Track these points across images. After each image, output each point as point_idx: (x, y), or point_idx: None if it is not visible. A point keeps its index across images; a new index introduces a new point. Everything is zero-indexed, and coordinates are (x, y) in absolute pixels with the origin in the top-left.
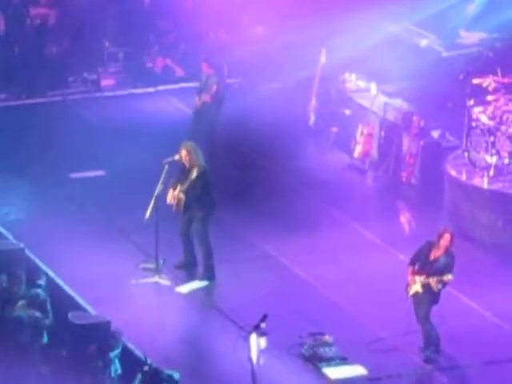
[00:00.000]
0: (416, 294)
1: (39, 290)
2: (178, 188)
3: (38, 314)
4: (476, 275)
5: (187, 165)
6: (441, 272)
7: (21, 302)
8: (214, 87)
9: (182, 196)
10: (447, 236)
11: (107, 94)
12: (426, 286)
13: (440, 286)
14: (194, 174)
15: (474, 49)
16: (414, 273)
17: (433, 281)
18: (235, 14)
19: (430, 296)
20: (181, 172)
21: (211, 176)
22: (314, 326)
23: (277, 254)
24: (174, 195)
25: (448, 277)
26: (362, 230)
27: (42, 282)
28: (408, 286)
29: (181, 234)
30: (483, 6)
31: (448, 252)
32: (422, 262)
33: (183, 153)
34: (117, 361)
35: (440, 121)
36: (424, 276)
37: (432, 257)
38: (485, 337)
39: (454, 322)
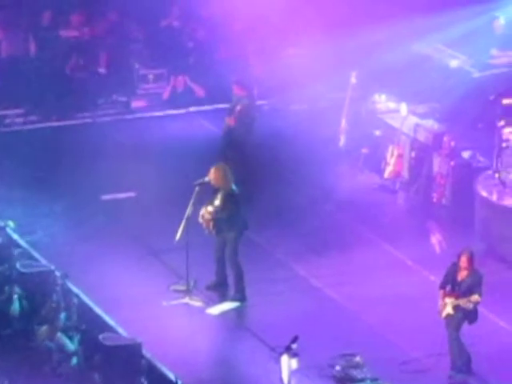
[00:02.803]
0: (448, 316)
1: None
2: (207, 209)
3: (64, 337)
4: (508, 295)
5: (217, 186)
6: (469, 292)
7: (45, 327)
8: (238, 108)
9: (208, 216)
10: (463, 258)
11: (138, 115)
12: (456, 308)
13: (471, 306)
14: (223, 195)
15: (504, 69)
16: (445, 295)
17: (463, 302)
18: (266, 35)
19: (463, 316)
20: (213, 193)
21: (241, 198)
22: (346, 347)
23: (308, 274)
24: (201, 215)
25: (475, 297)
26: (393, 250)
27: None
28: (440, 309)
29: (215, 256)
30: None
31: (473, 272)
32: (451, 284)
33: (213, 174)
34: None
35: (471, 141)
36: (453, 298)
37: (459, 278)
38: None
39: (486, 342)
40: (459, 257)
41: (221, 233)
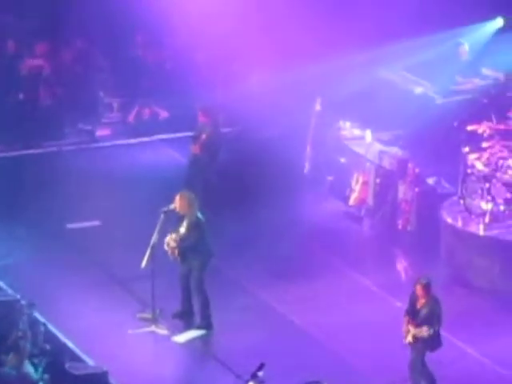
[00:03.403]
0: (411, 343)
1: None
2: (172, 236)
3: (29, 365)
4: (474, 322)
5: (182, 214)
6: (427, 321)
7: (11, 355)
8: (204, 136)
9: (173, 244)
10: (418, 286)
11: (103, 144)
12: (415, 336)
13: (425, 335)
14: (189, 223)
15: (468, 95)
16: (408, 323)
17: (416, 332)
18: (230, 62)
19: (423, 344)
20: (178, 221)
21: (207, 225)
22: (311, 374)
23: (273, 302)
24: (167, 243)
25: (424, 329)
26: (358, 277)
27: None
28: (404, 335)
29: (180, 284)
30: (479, 52)
31: (430, 301)
32: (412, 312)
33: (178, 202)
34: None
35: (435, 168)
36: (413, 326)
37: (418, 306)
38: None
39: (453, 369)
40: (415, 285)
41: (186, 260)
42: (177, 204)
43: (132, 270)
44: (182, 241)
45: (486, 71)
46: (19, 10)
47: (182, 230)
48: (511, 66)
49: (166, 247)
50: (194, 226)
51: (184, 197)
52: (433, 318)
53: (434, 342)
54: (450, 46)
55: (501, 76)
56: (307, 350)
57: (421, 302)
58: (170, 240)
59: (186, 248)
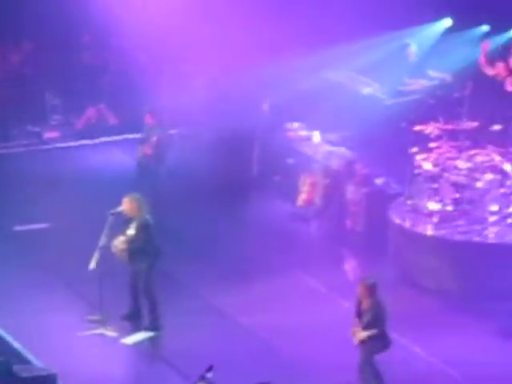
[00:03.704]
0: (359, 344)
1: None
2: (120, 238)
3: None
4: (421, 322)
5: (130, 216)
6: (370, 323)
7: None
8: (154, 138)
9: (121, 246)
10: (360, 288)
11: (51, 146)
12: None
13: (368, 336)
14: (137, 225)
15: (416, 96)
16: (355, 324)
17: (362, 334)
18: (176, 64)
19: (370, 345)
20: (126, 223)
21: (155, 227)
22: (260, 376)
23: (222, 303)
24: (115, 245)
25: (363, 333)
26: (307, 277)
27: None
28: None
29: (129, 286)
30: (427, 52)
31: (373, 303)
32: (359, 313)
33: (126, 204)
34: None
35: (383, 168)
36: (358, 328)
37: (362, 307)
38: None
39: (401, 369)
40: (359, 286)
41: (134, 262)
42: (125, 206)
43: (80, 272)
44: (130, 243)
45: (432, 73)
46: None
47: (131, 231)
48: (459, 66)
49: (113, 249)
50: (143, 228)
51: (133, 199)
52: (376, 320)
53: (381, 342)
54: (397, 46)
55: (447, 77)
56: (256, 351)
57: (365, 302)
58: (118, 242)
59: (135, 250)
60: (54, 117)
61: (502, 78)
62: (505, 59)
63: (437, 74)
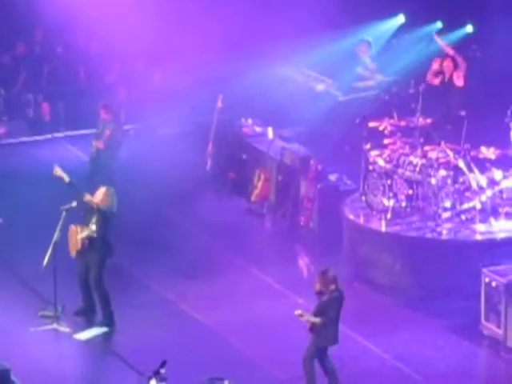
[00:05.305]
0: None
1: None
2: (79, 228)
3: None
4: (375, 318)
5: (91, 207)
6: (316, 312)
7: None
8: (108, 133)
9: (82, 235)
10: (318, 275)
11: (3, 142)
12: (311, 328)
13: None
14: (101, 216)
15: (370, 92)
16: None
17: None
18: (132, 59)
19: (315, 337)
20: (86, 214)
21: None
22: (214, 371)
23: (176, 299)
24: (74, 231)
25: (305, 316)
26: (260, 274)
27: None
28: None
29: (79, 282)
30: (379, 49)
31: (325, 292)
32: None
33: (103, 195)
34: None
35: (337, 165)
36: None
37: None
38: (384, 379)
39: (353, 365)
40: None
41: (90, 253)
42: (101, 196)
43: (33, 267)
44: (91, 232)
45: (360, 70)
46: None
47: (93, 224)
48: (413, 63)
49: (71, 237)
50: (108, 219)
51: (109, 190)
52: (324, 310)
53: (326, 335)
54: (352, 43)
55: (379, 77)
56: (210, 347)
57: (317, 288)
58: (79, 230)
59: (95, 239)
60: (4, 111)
61: (449, 74)
62: (449, 56)
63: (366, 73)
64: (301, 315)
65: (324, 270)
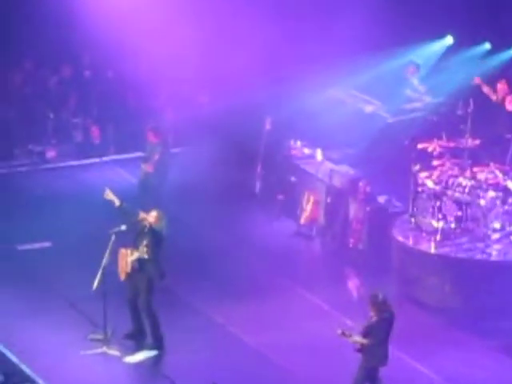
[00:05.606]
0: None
1: None
2: (134, 254)
3: None
4: (424, 339)
5: (141, 230)
6: (364, 333)
7: None
8: (156, 156)
9: (133, 257)
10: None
11: (53, 165)
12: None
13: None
14: (152, 238)
15: (419, 114)
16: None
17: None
18: (180, 83)
19: (363, 357)
20: (137, 237)
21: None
22: None
23: (225, 322)
24: (125, 254)
25: (352, 337)
26: (310, 296)
27: None
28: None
29: (128, 306)
30: (427, 71)
31: (373, 316)
32: None
33: (156, 218)
34: None
35: (386, 186)
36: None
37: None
38: None
39: None
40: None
41: (140, 275)
42: (155, 219)
43: (83, 291)
44: (143, 254)
45: (409, 92)
46: None
47: (144, 246)
48: (461, 84)
49: (121, 260)
50: (159, 242)
51: (162, 214)
52: (371, 332)
53: (375, 356)
54: (401, 64)
55: (427, 98)
56: (258, 369)
57: (370, 312)
58: (129, 254)
59: (146, 261)
60: (56, 136)
61: (502, 97)
62: (505, 78)
63: (415, 95)
64: (345, 335)
65: (373, 294)
